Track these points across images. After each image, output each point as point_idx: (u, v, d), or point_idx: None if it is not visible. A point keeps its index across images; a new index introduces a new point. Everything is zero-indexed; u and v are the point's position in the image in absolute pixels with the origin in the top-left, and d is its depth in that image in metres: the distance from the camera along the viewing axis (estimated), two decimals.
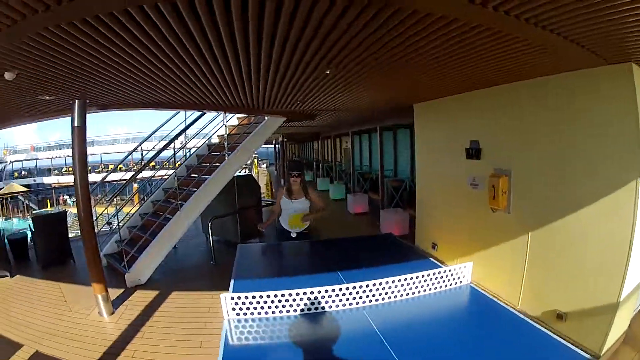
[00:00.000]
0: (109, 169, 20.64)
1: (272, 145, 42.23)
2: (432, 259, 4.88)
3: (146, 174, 13.59)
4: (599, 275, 4.88)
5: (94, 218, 8.89)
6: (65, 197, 47.53)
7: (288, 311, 3.60)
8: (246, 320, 3.55)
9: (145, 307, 7.68)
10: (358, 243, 6.40)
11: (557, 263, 5.53)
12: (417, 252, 5.34)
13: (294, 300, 3.59)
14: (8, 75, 4.65)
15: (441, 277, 3.95)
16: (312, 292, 3.60)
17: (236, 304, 3.58)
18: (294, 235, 6.87)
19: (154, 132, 12.59)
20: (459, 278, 4.05)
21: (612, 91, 4.62)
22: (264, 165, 48.48)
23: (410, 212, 11.05)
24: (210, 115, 12.03)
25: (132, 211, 12.19)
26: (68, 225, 11.62)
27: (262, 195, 20.46)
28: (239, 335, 3.36)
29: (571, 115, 5.16)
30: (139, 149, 12.58)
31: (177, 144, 11.56)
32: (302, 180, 6.83)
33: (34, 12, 2.94)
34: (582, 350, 2.75)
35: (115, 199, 14.08)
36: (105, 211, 12.57)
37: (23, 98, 6.31)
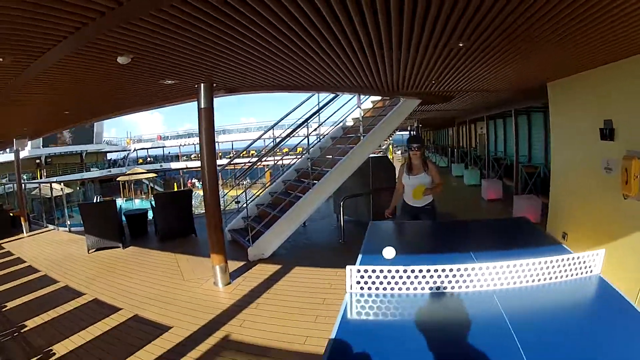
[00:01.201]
0: (240, 155, 21.32)
1: (408, 132, 42.02)
2: (564, 245, 4.65)
3: (277, 157, 13.93)
4: None
5: (222, 197, 9.66)
6: (194, 180, 49.83)
7: (416, 289, 3.49)
8: (369, 295, 3.49)
9: (264, 280, 8.06)
10: (491, 225, 6.36)
11: None
12: (549, 238, 5.11)
13: (423, 277, 3.47)
14: (122, 60, 4.81)
15: (572, 265, 3.72)
16: (441, 270, 3.48)
17: (362, 277, 3.51)
18: (416, 205, 6.95)
19: (285, 116, 13.00)
20: (590, 267, 3.79)
21: None
22: (399, 152, 48.39)
23: (544, 200, 10.71)
24: (343, 99, 12.19)
25: (261, 193, 12.57)
26: (193, 205, 12.44)
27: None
28: (359, 309, 3.33)
29: None
30: (270, 134, 12.85)
31: (310, 127, 11.80)
32: (422, 153, 6.91)
33: None
34: None
35: (244, 182, 14.65)
36: (234, 193, 13.22)
37: (145, 82, 6.59)
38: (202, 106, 7.43)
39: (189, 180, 55.32)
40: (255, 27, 3.87)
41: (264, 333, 5.83)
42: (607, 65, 6.62)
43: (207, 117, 7.55)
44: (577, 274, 3.74)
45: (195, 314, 6.54)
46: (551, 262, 3.62)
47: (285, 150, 15.23)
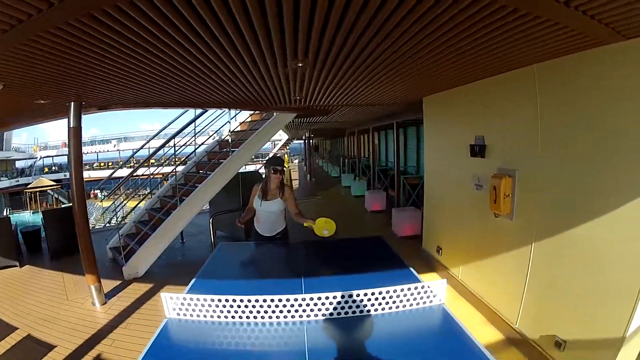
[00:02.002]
0: (139, 163, 20.96)
1: (303, 141, 42.31)
2: (412, 270, 4.42)
3: (168, 169, 13.57)
4: (607, 302, 4.25)
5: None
6: (96, 191, 48.97)
7: (226, 317, 3.45)
8: (186, 322, 3.47)
9: (137, 299, 8.10)
10: (343, 246, 6.16)
11: (562, 283, 4.94)
12: (400, 262, 4.88)
13: (231, 307, 3.43)
14: None
15: (408, 294, 3.54)
16: (254, 300, 3.40)
17: (182, 304, 3.51)
18: (269, 235, 6.59)
19: (159, 132, 13.15)
20: (429, 297, 3.60)
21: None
22: (296, 161, 48.85)
23: (424, 212, 10.63)
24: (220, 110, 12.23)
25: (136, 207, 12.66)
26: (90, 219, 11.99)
27: None
28: (173, 334, 3.32)
29: (594, 99, 4.36)
30: (147, 146, 12.60)
31: (185, 140, 11.90)
32: (282, 179, 6.44)
33: (19, 21, 2.97)
34: None
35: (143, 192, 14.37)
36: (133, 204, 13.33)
37: (21, 103, 6.66)
38: (72, 125, 7.34)
39: (92, 191, 54.25)
40: (117, 44, 3.74)
41: (132, 352, 5.98)
42: (479, 81, 6.57)
43: (75, 136, 7.49)
44: (416, 304, 3.59)
45: (75, 334, 6.66)
46: (387, 292, 3.51)
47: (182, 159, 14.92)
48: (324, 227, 5.93)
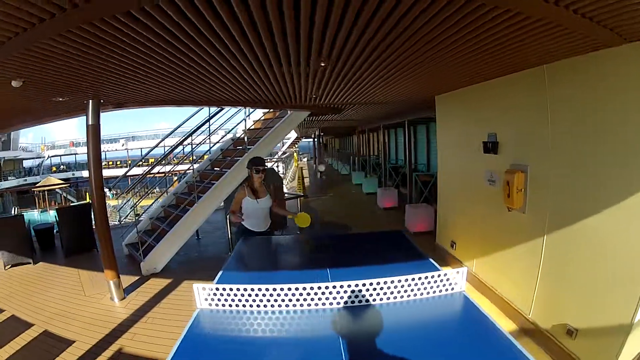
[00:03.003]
0: (149, 162, 20.99)
1: (312, 140, 42.16)
2: (432, 261, 4.52)
3: (182, 167, 14.02)
4: (615, 291, 4.39)
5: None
6: (105, 189, 48.65)
7: (265, 306, 3.50)
8: (217, 312, 3.51)
9: (156, 295, 8.15)
10: (363, 239, 6.22)
11: (572, 273, 5.10)
12: (419, 254, 5.01)
13: (263, 295, 3.50)
14: (15, 83, 4.94)
15: (428, 283, 3.66)
16: (281, 289, 3.47)
17: (208, 294, 3.56)
18: (259, 230, 6.80)
19: (175, 129, 12.85)
20: (450, 285, 3.72)
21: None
22: (305, 159, 48.64)
23: (437, 208, 10.72)
24: (233, 110, 12.19)
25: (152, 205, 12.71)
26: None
27: (294, 189, 20.50)
28: (206, 326, 3.34)
29: (602, 98, 4.52)
30: (162, 144, 12.61)
31: (200, 138, 11.80)
32: (265, 177, 6.76)
33: (41, 20, 3.06)
34: None
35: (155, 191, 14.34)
36: (147, 203, 13.11)
37: (37, 101, 6.63)
38: (90, 123, 7.40)
39: None
40: (138, 43, 3.81)
41: (153, 346, 6.08)
42: (492, 80, 6.70)
43: (94, 133, 7.53)
44: (438, 291, 3.70)
45: (94, 329, 6.69)
46: (406, 280, 3.60)
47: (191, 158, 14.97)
48: (303, 219, 6.51)
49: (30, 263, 10.37)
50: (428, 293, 3.66)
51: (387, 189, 16.93)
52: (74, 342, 6.21)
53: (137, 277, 8.99)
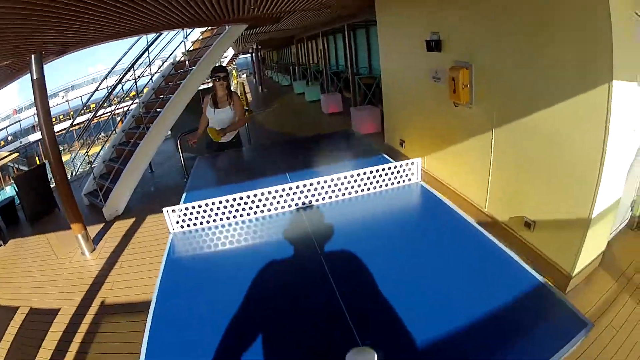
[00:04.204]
0: (91, 108, 20.60)
1: (249, 55, 41.54)
2: (385, 156, 4.74)
3: (126, 105, 13.72)
4: (570, 185, 4.55)
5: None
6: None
7: (228, 218, 3.64)
8: (190, 232, 3.58)
9: (123, 237, 8.20)
10: (315, 141, 6.37)
11: (524, 165, 5.26)
12: (372, 150, 5.21)
13: (231, 206, 3.62)
14: None
15: (385, 174, 3.86)
16: (247, 197, 3.59)
17: (179, 216, 3.58)
18: (223, 141, 6.87)
19: (113, 67, 12.51)
20: (406, 175, 3.94)
21: None
22: (244, 75, 48.11)
23: (382, 109, 10.88)
24: (172, 33, 11.86)
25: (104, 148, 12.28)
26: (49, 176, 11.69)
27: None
28: (184, 247, 3.40)
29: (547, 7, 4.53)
30: (107, 84, 12.33)
31: (140, 71, 11.59)
32: (227, 85, 6.72)
33: None
34: (541, 274, 2.56)
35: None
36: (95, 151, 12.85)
37: None
38: (35, 77, 7.11)
39: None
40: None
41: (133, 289, 6.22)
42: None
43: (39, 87, 7.22)
44: (395, 183, 3.91)
45: (74, 289, 6.68)
46: (357, 175, 3.78)
47: (132, 94, 14.64)
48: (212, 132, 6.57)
49: (1, 245, 9.93)
50: (387, 185, 3.86)
51: (331, 94, 17.05)
52: (59, 309, 6.22)
53: (102, 225, 8.98)
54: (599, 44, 3.86)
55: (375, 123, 11.88)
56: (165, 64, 13.01)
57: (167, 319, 2.37)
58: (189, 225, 3.60)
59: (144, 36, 11.12)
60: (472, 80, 6.03)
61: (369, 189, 3.81)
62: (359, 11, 11.68)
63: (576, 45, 4.16)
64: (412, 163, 3.90)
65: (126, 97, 12.52)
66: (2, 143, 53.75)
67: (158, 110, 10.35)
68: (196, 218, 3.60)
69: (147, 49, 11.15)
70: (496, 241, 2.74)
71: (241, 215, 3.63)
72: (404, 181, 3.91)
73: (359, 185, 3.77)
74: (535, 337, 2.01)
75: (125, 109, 13.38)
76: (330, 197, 3.73)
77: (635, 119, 4.37)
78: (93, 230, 8.56)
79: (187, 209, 3.56)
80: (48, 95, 7.08)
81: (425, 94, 7.55)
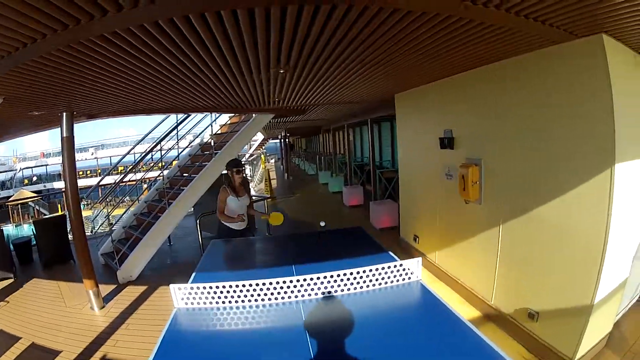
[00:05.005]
0: (119, 170, 20.89)
1: (279, 140, 42.11)
2: (391, 254, 4.77)
3: (152, 175, 13.88)
4: (572, 273, 4.64)
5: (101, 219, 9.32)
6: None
7: (230, 302, 3.72)
8: (192, 309, 3.68)
9: (133, 301, 8.13)
10: (328, 236, 6.45)
11: (528, 258, 5.39)
12: (379, 248, 5.23)
13: (234, 292, 3.72)
14: None
15: (385, 273, 3.93)
16: (250, 285, 3.70)
17: (184, 294, 3.74)
18: (240, 229, 7.19)
19: (145, 137, 12.79)
20: (407, 274, 4.00)
21: (584, 65, 4.32)
22: (272, 161, 48.53)
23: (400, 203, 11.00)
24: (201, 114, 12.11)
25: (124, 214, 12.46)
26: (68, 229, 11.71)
27: (261, 191, 20.61)
28: (184, 324, 3.50)
29: (544, 95, 4.86)
30: (132, 152, 12.65)
31: (168, 144, 11.82)
32: (243, 176, 7.15)
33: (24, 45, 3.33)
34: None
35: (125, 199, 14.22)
36: (119, 212, 12.97)
37: (15, 115, 6.83)
38: (65, 135, 7.43)
39: None
40: (108, 59, 4.01)
41: (135, 350, 6.28)
42: (447, 78, 6.99)
43: (68, 145, 7.57)
44: (395, 281, 3.96)
45: (79, 338, 6.77)
46: (364, 271, 3.86)
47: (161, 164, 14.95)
48: (276, 217, 6.85)
49: (11, 278, 10.23)
50: (386, 283, 3.92)
51: (353, 187, 17.07)
52: (60, 352, 6.32)
53: (114, 286, 9.05)
54: (600, 126, 4.11)
55: (392, 217, 11.91)
56: (193, 143, 13.26)
57: None
58: (192, 304, 3.71)
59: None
60: (482, 177, 6.21)
61: (367, 286, 3.89)
62: (382, 107, 11.96)
63: (578, 131, 4.40)
64: (413, 263, 4.01)
65: (154, 167, 12.70)
66: (27, 181, 54.29)
67: (182, 188, 10.52)
68: (200, 298, 3.71)
69: (176, 126, 11.46)
70: (486, 339, 2.81)
71: (242, 301, 3.71)
72: (403, 279, 3.98)
73: (357, 282, 3.85)
74: None
75: (151, 178, 13.56)
76: (329, 292, 3.82)
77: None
78: (105, 288, 8.61)
79: (192, 288, 3.71)
80: (77, 148, 7.30)
81: (438, 191, 7.70)
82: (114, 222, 10.71)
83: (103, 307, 7.95)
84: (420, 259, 4.03)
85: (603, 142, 4.11)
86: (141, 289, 8.81)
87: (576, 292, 4.60)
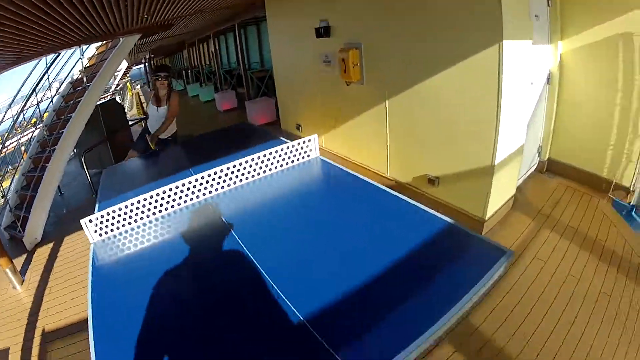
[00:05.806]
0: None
1: (143, 65, 40.86)
2: (283, 139, 4.92)
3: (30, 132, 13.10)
4: (471, 138, 4.83)
5: None
6: None
7: (142, 218, 3.72)
8: (109, 238, 3.58)
9: (47, 263, 7.90)
10: (212, 137, 6.60)
11: (420, 128, 5.61)
12: (268, 135, 5.46)
13: (143, 206, 3.71)
14: None
15: (285, 153, 4.11)
16: (157, 195, 3.73)
17: (96, 225, 3.58)
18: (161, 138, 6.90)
19: (18, 92, 12.11)
20: (304, 152, 4.20)
21: None
22: (138, 87, 47.31)
23: (276, 99, 11.12)
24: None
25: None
26: None
27: (135, 115, 20.24)
28: (107, 253, 3.39)
29: None
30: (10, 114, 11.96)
31: (40, 95, 11.37)
32: (169, 83, 6.77)
33: None
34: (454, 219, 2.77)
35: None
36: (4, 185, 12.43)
37: None
38: None
39: None
40: None
41: (69, 310, 6.06)
42: None
43: None
44: (295, 161, 4.19)
45: (14, 324, 6.37)
46: (258, 157, 4.01)
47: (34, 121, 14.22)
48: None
49: None
50: (287, 163, 4.11)
51: (224, 92, 17.23)
52: (8, 347, 5.97)
53: (25, 255, 8.64)
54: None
55: (270, 113, 12.27)
56: (64, 84, 12.70)
57: (107, 331, 2.40)
58: (107, 232, 3.61)
59: (43, 59, 10.96)
60: (362, 59, 6.35)
61: (270, 169, 4.03)
62: (249, 9, 11.80)
63: (466, 7, 4.44)
64: (309, 140, 4.19)
65: (28, 125, 12.13)
66: None
67: (61, 131, 10.08)
68: (112, 224, 3.63)
69: (46, 71, 10.99)
70: (402, 196, 3.05)
71: (154, 214, 3.74)
72: (303, 158, 4.17)
73: (260, 168, 3.98)
74: (459, 269, 2.28)
75: (30, 136, 12.98)
76: (235, 183, 3.91)
77: (531, 73, 4.83)
78: (17, 262, 8.12)
79: (102, 216, 3.58)
80: None
81: (317, 78, 7.86)
82: (6, 194, 10.16)
83: (23, 281, 7.63)
84: (315, 136, 4.23)
85: (490, 23, 4.19)
86: (49, 247, 8.60)
87: (476, 156, 4.86)
